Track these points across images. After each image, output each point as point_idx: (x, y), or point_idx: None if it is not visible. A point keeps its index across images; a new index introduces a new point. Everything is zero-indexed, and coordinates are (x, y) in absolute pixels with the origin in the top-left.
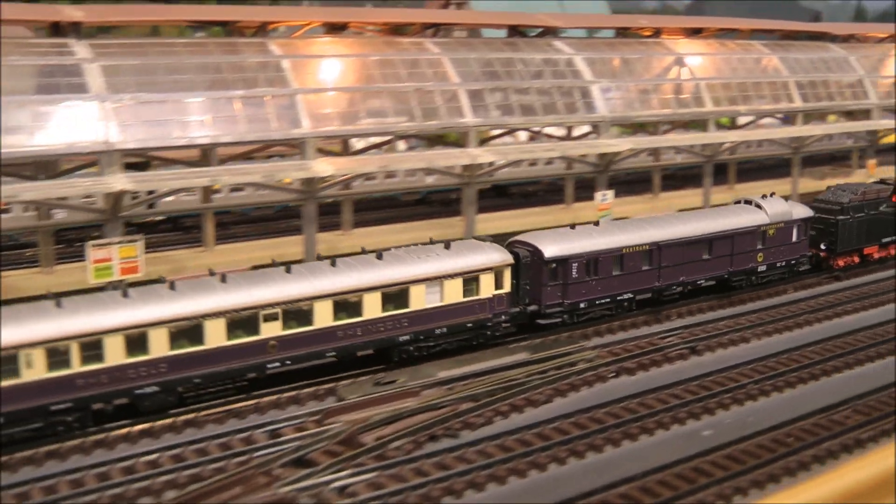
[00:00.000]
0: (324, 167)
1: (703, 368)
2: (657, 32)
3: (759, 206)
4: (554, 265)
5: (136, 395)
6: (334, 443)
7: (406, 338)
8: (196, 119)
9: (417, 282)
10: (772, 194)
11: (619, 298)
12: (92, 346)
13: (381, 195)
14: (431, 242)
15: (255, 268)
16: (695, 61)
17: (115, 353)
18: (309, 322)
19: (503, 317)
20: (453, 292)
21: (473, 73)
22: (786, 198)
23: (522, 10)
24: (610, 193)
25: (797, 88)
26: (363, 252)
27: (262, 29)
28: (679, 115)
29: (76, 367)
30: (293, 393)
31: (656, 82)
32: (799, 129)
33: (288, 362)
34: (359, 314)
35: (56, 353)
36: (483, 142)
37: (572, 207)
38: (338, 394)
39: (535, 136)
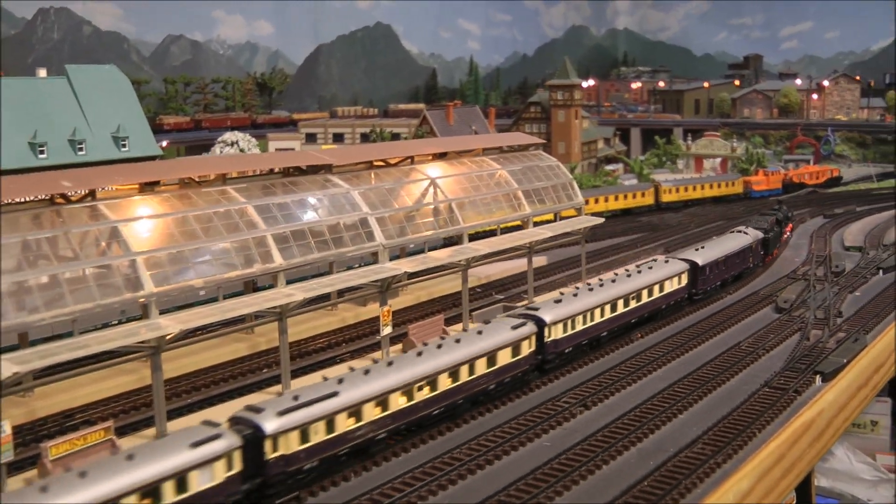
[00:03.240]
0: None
1: None
2: (91, 194)
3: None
4: (701, 268)
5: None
6: None
7: (664, 306)
8: None
9: (664, 280)
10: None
11: (720, 283)
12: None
13: None
14: (654, 260)
15: None
16: (138, 229)
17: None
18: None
19: (686, 295)
20: (673, 284)
21: None
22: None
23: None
24: (6, 424)
25: (275, 243)
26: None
27: None
28: (105, 304)
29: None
30: None
31: (79, 267)
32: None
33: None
34: (640, 300)
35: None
36: None
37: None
38: None
39: None
